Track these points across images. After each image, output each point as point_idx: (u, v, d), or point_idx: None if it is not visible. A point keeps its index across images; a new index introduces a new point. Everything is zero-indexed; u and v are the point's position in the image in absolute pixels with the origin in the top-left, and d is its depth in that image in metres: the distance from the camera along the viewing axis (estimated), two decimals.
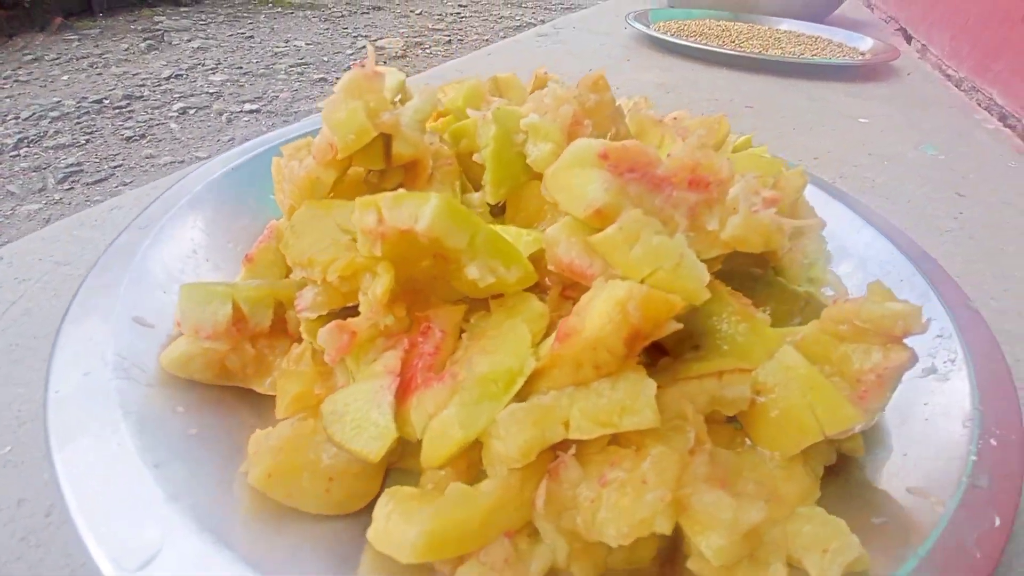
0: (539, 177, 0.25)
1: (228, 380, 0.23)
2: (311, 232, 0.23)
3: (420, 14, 2.56)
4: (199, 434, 0.21)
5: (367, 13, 2.52)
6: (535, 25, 2.13)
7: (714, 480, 0.18)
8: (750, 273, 0.27)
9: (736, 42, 0.98)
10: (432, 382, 0.19)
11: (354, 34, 2.21)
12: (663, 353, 0.23)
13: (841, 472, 0.23)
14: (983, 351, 0.28)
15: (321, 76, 1.79)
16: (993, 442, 0.23)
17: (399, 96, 0.32)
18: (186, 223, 0.30)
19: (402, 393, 0.19)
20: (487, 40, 2.22)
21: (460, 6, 2.75)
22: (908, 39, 1.21)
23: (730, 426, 0.22)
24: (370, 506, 0.19)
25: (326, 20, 2.37)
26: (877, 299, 0.20)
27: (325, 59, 1.93)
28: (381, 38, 2.15)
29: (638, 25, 0.98)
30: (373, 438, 0.18)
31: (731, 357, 0.21)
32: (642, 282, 0.19)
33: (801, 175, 0.30)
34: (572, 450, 0.19)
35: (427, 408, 0.19)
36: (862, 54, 0.95)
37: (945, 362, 0.27)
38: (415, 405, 0.19)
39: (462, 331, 0.22)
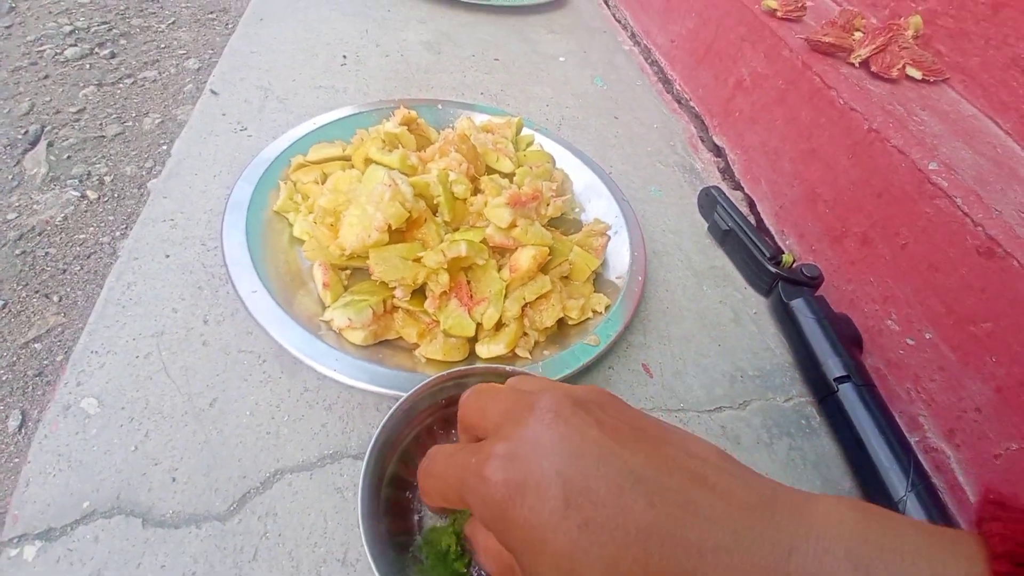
0: (463, 202, 0.58)
1: (381, 336, 0.53)
2: (385, 264, 0.53)
3: None
4: None
5: None
6: None
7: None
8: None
9: None
10: (476, 303, 0.53)
11: None
12: None
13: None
14: (633, 222, 0.71)
15: None
16: (637, 255, 0.67)
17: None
18: None
19: (467, 308, 0.53)
20: None
21: None
22: None
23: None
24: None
25: None
26: (596, 223, 0.61)
27: None
28: None
29: None
30: (466, 327, 0.52)
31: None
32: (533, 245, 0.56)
33: (520, 123, 0.73)
34: None
35: (480, 311, 0.53)
36: None
37: (617, 231, 0.71)
38: (476, 312, 0.53)
39: (469, 281, 0.56)
